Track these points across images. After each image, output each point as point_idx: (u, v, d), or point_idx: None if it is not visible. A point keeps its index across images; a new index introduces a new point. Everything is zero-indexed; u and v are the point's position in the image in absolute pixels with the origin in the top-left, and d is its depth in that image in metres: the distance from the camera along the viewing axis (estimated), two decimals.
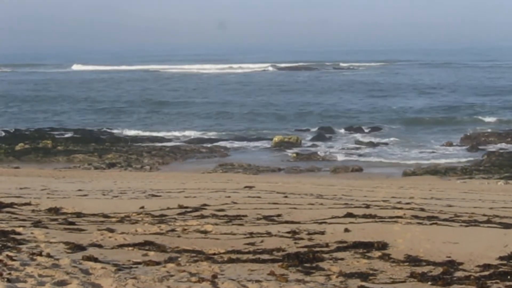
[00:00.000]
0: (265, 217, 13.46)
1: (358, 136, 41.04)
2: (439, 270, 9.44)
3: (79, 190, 18.37)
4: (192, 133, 42.37)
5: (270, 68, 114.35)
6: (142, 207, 14.62)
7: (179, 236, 11.60)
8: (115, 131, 43.59)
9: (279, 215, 13.68)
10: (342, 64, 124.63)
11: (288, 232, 11.85)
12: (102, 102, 60.55)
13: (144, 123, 47.55)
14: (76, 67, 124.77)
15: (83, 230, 12.00)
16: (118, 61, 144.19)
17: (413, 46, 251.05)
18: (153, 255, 10.07)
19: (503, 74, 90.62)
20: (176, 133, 42.32)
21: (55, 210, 14.16)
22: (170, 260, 9.70)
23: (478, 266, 9.68)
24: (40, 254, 9.50)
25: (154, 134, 42.14)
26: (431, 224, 12.76)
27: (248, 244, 11.02)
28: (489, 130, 41.47)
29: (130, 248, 10.51)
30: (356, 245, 10.84)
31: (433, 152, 35.53)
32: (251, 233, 11.77)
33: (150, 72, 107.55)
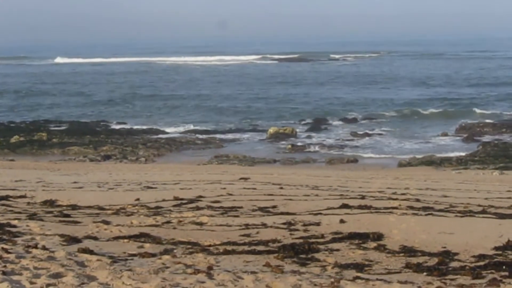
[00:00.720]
0: (261, 209, 13.48)
1: (353, 127, 41.03)
2: (435, 260, 9.46)
3: (75, 182, 18.36)
4: (187, 125, 42.33)
5: (265, 60, 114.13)
6: (138, 199, 14.62)
7: (174, 228, 11.61)
8: (110, 123, 43.49)
9: (274, 207, 13.69)
10: (337, 56, 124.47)
11: (284, 224, 11.86)
12: (94, 95, 60.29)
13: (139, 115, 47.43)
14: (59, 60, 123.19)
15: (79, 222, 12.00)
16: (110, 53, 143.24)
17: (407, 37, 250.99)
18: (148, 247, 10.07)
19: (496, 65, 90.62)
20: (171, 125, 42.28)
21: (50, 203, 14.15)
22: (166, 252, 9.70)
23: (473, 256, 9.70)
24: (36, 247, 9.49)
25: (149, 126, 42.07)
26: (426, 214, 12.78)
27: (243, 235, 11.03)
28: (485, 121, 41.49)
29: (125, 240, 10.51)
30: (351, 236, 10.86)
31: (428, 142, 35.55)
32: (246, 225, 11.78)
33: (142, 64, 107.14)
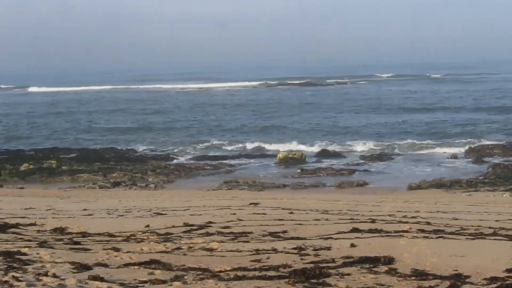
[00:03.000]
0: (271, 234, 13.45)
1: (363, 151, 40.99)
2: (446, 283, 9.41)
3: (84, 209, 18.36)
4: (196, 151, 42.42)
5: (268, 86, 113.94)
6: (148, 226, 14.62)
7: (185, 254, 11.58)
8: (119, 150, 43.54)
9: (284, 231, 13.66)
10: (342, 80, 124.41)
11: (294, 248, 11.83)
12: (99, 123, 60.39)
13: (147, 141, 47.49)
14: (32, 89, 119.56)
15: (89, 249, 11.99)
16: (100, 81, 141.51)
17: (409, 61, 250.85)
18: (159, 273, 10.05)
19: (504, 88, 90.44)
20: (180, 151, 42.37)
21: (60, 230, 14.15)
22: (176, 278, 9.68)
23: (485, 279, 9.65)
24: (46, 275, 9.49)
25: (158, 152, 42.19)
26: (437, 237, 12.73)
27: (254, 261, 11.00)
28: (494, 143, 41.37)
29: (136, 267, 10.49)
30: (362, 260, 10.81)
31: (438, 165, 35.49)
32: (257, 250, 11.75)
33: (143, 91, 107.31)
